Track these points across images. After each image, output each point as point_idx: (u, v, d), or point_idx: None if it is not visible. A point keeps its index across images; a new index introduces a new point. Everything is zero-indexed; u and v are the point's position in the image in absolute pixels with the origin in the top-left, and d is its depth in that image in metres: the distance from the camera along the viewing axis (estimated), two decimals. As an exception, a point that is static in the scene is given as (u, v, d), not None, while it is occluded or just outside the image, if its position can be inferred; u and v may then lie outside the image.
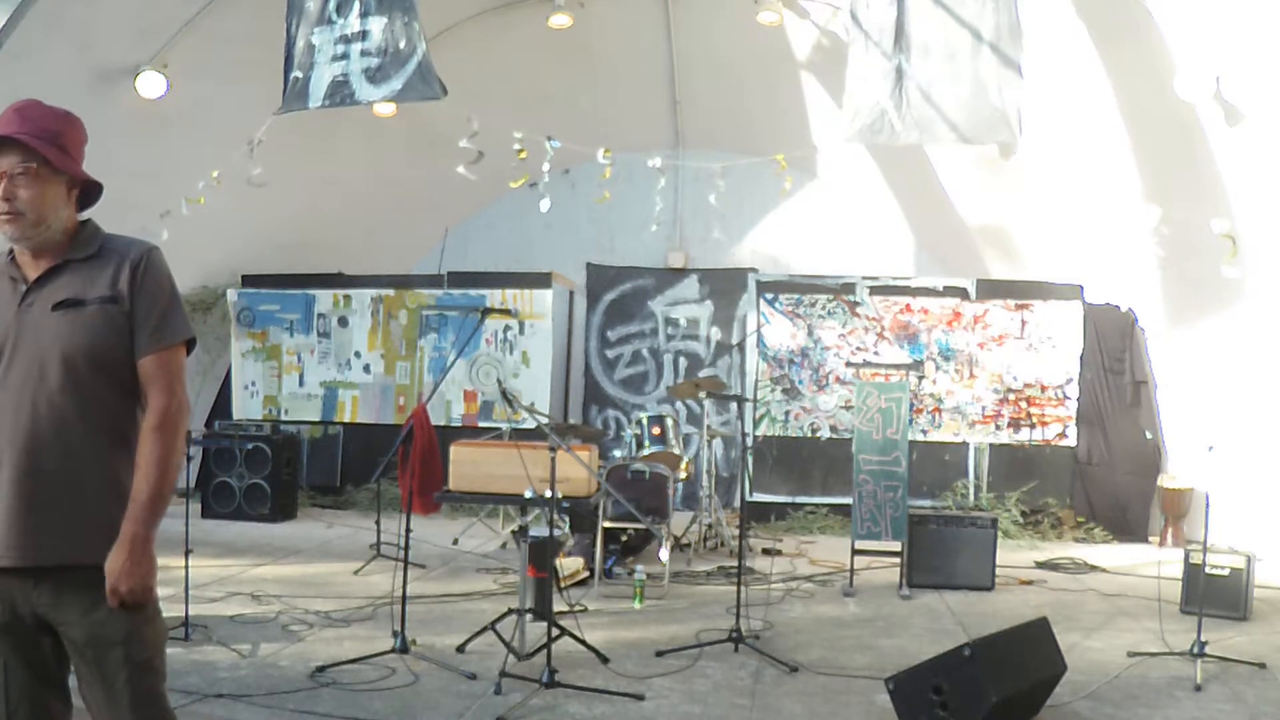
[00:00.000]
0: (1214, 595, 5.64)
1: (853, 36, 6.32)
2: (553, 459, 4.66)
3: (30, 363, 2.21)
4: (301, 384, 10.28)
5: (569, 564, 6.55)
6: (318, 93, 6.55)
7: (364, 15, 6.43)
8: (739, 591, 5.20)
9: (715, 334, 10.47)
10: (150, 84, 7.59)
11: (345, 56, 6.46)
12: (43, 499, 2.18)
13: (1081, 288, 9.29)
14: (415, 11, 6.36)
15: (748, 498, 8.78)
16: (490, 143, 7.40)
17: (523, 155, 7.48)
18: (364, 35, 6.42)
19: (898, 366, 8.24)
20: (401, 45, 6.33)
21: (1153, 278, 8.64)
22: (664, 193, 10.18)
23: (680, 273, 10.96)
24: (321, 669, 4.61)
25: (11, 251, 2.33)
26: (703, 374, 10.27)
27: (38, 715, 2.26)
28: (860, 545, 6.76)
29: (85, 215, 2.43)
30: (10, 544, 2.18)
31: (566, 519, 7.10)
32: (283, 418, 10.16)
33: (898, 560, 6.73)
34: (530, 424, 5.17)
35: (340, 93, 6.50)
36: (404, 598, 5.01)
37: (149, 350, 2.27)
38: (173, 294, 2.35)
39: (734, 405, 9.62)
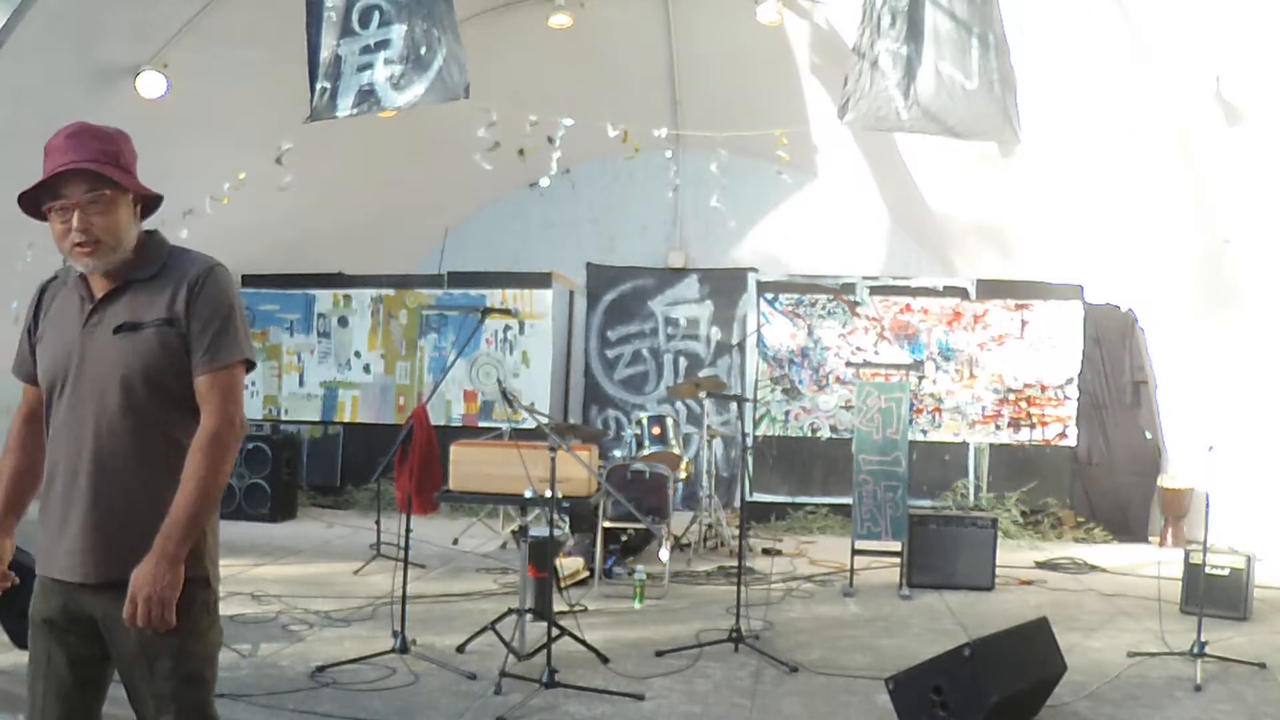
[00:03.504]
0: (1214, 595, 5.65)
1: (865, 19, 6.30)
2: (553, 459, 4.66)
3: (93, 386, 2.24)
4: (301, 384, 10.28)
5: (569, 564, 6.55)
6: (345, 102, 6.64)
7: (384, 24, 6.49)
8: (739, 591, 5.20)
9: (715, 334, 10.47)
10: (150, 84, 7.58)
11: (370, 66, 6.54)
12: (107, 521, 2.24)
13: (1081, 288, 9.30)
14: (436, 17, 6.40)
15: (748, 498, 8.78)
16: (494, 139, 7.43)
17: (529, 136, 7.55)
18: (386, 44, 6.49)
19: (898, 366, 8.24)
20: (423, 52, 6.39)
21: (1153, 278, 8.64)
22: (664, 192, 10.22)
23: (680, 273, 10.95)
24: (321, 669, 4.61)
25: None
26: (703, 374, 10.26)
27: (69, 713, 2.29)
28: (860, 545, 6.76)
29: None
30: (79, 562, 2.24)
31: (566, 519, 7.10)
32: (283, 418, 10.17)
33: (898, 560, 6.74)
34: (530, 424, 5.16)
35: (367, 101, 6.59)
36: (404, 598, 5.01)
37: (202, 370, 2.27)
38: (230, 313, 2.30)
39: (734, 405, 9.61)
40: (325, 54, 6.65)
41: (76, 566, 2.24)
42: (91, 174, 2.21)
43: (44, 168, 2.23)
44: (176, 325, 2.25)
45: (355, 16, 6.58)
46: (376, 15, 6.52)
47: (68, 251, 2.23)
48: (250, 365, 2.36)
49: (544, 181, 7.82)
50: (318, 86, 6.68)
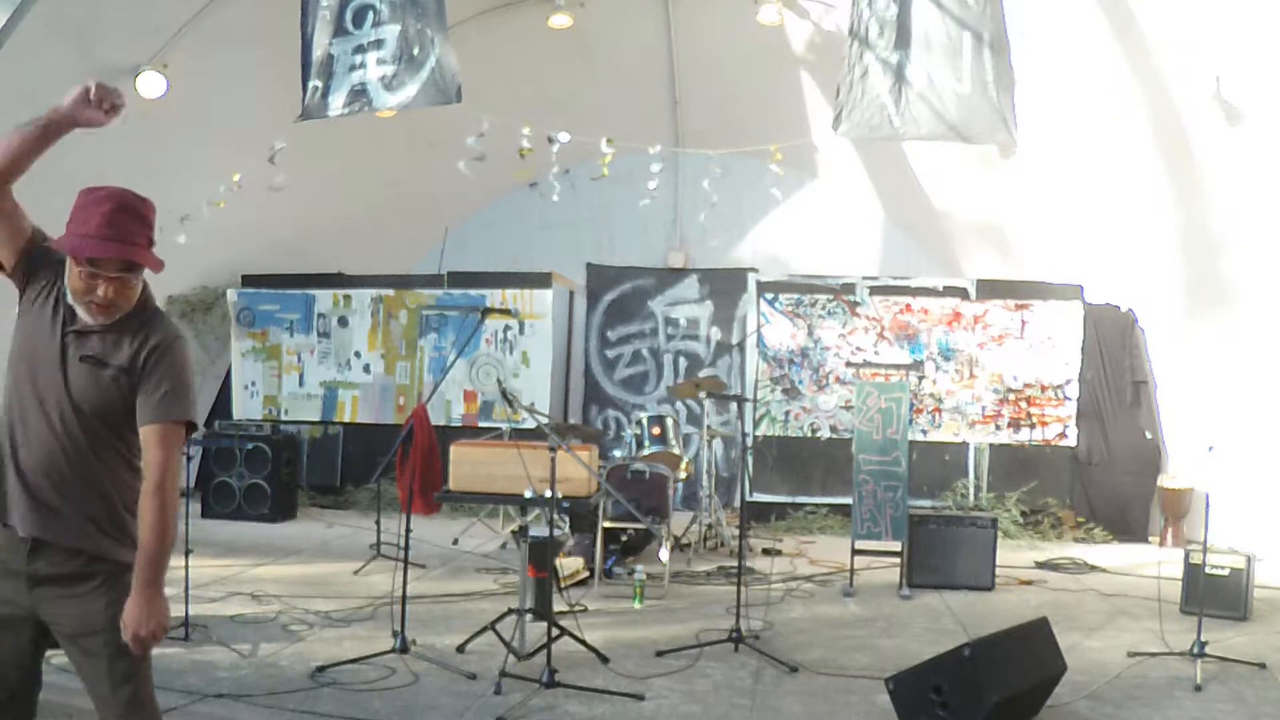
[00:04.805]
0: (1214, 595, 5.64)
1: (853, 31, 6.32)
2: (553, 459, 4.66)
3: (56, 386, 2.51)
4: (301, 384, 10.28)
5: (569, 564, 6.55)
6: (337, 102, 6.64)
7: (378, 24, 6.49)
8: (739, 591, 5.20)
9: (715, 334, 10.46)
10: (150, 84, 7.59)
11: (363, 65, 6.55)
12: (53, 496, 2.51)
13: (1081, 288, 9.29)
14: (430, 18, 6.40)
15: (748, 498, 8.78)
16: (491, 142, 7.43)
17: (528, 152, 7.55)
18: (379, 44, 6.50)
19: (898, 366, 8.24)
20: (415, 52, 6.40)
21: (1153, 278, 8.64)
22: (664, 193, 10.22)
23: (680, 273, 10.95)
24: (321, 669, 4.62)
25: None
26: (703, 374, 10.26)
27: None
28: (860, 545, 6.76)
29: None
30: (26, 521, 2.50)
31: (566, 519, 7.10)
32: (283, 418, 10.16)
33: (898, 560, 6.74)
34: (530, 424, 5.17)
35: (359, 100, 6.59)
36: (404, 598, 5.01)
37: (149, 420, 2.53)
38: (182, 379, 2.58)
39: (734, 405, 9.62)
40: (318, 52, 6.65)
41: (23, 525, 2.50)
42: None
43: (78, 219, 2.43)
44: (131, 376, 2.53)
45: (349, 16, 6.58)
46: (370, 15, 6.53)
47: (83, 303, 2.48)
48: (191, 429, 2.62)
49: (553, 197, 7.86)
50: (310, 85, 6.68)
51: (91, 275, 2.44)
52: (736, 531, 7.07)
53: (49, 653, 2.62)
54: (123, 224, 2.44)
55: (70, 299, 2.51)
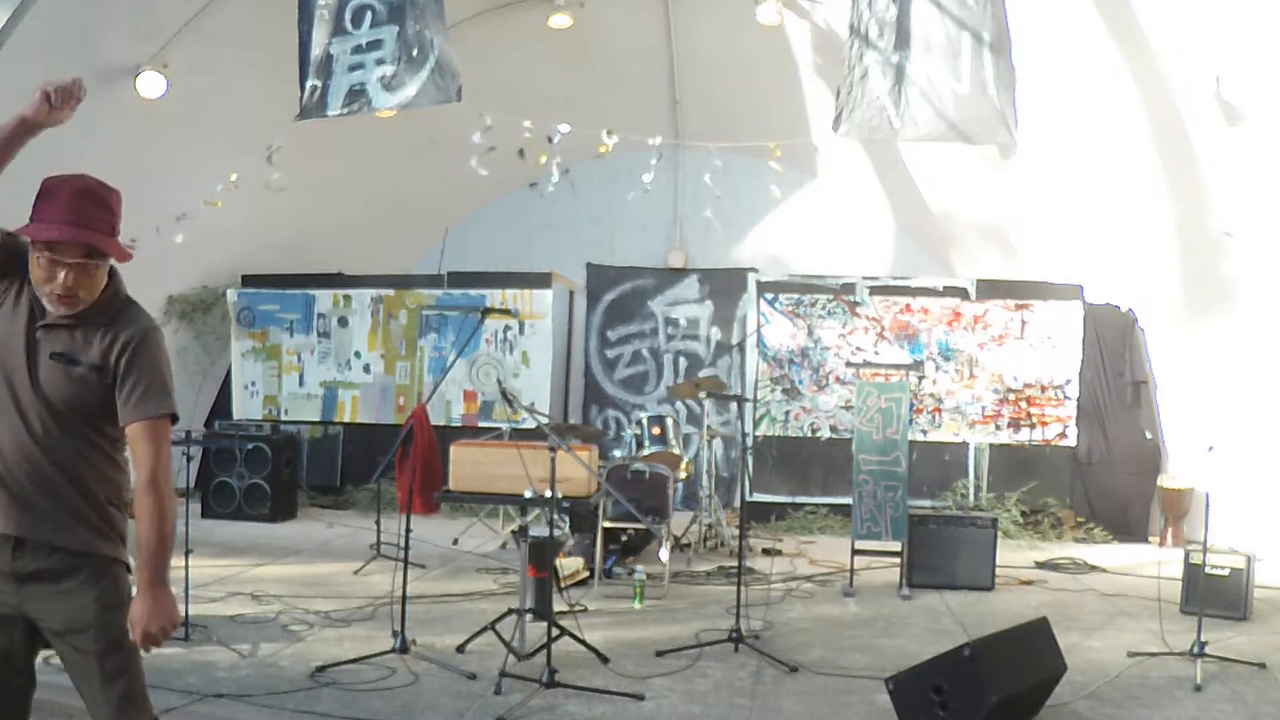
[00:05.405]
0: (1214, 595, 5.64)
1: (853, 32, 6.33)
2: (553, 459, 4.67)
3: (27, 383, 2.48)
4: (301, 384, 10.28)
5: (569, 564, 6.55)
6: (335, 101, 6.64)
7: (376, 24, 6.49)
8: (739, 591, 5.20)
9: (715, 334, 10.47)
10: (150, 84, 7.59)
11: (362, 66, 6.55)
12: (32, 492, 2.48)
13: (1081, 288, 9.29)
14: (428, 18, 6.41)
15: (748, 498, 8.78)
16: (491, 142, 7.43)
17: (531, 144, 7.57)
18: (378, 44, 6.50)
19: (898, 366, 8.24)
20: (414, 53, 6.40)
21: (1153, 278, 8.64)
22: (664, 192, 10.25)
23: (680, 273, 10.95)
24: (321, 669, 4.62)
25: None
26: (703, 374, 10.25)
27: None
28: (860, 545, 6.76)
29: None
30: (8, 519, 2.47)
31: (566, 519, 7.10)
32: (283, 418, 10.16)
33: (898, 560, 6.74)
34: (530, 424, 5.17)
35: (358, 100, 6.60)
36: (404, 598, 5.01)
37: (133, 419, 2.51)
38: (160, 372, 2.55)
39: (734, 405, 9.62)
40: (317, 51, 6.65)
41: (6, 523, 2.46)
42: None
43: (40, 206, 2.42)
44: (104, 374, 2.49)
45: (348, 15, 6.59)
46: (369, 15, 6.54)
47: (45, 293, 2.44)
48: (173, 419, 2.58)
49: (549, 189, 7.89)
50: (308, 84, 6.68)
51: (52, 262, 2.40)
52: (736, 531, 7.07)
53: (44, 653, 2.60)
54: (82, 208, 2.41)
55: (36, 290, 2.48)
